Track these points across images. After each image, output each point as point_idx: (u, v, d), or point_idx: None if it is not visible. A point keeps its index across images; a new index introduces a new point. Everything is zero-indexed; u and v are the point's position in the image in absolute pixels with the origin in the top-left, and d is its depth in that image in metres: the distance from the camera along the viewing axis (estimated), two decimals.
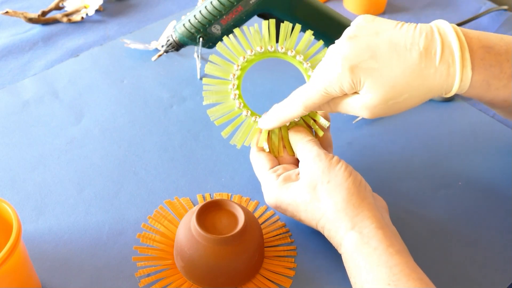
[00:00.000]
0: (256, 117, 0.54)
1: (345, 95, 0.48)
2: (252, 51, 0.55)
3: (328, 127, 0.55)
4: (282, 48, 0.55)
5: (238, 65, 0.55)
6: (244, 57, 0.55)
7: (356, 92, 0.47)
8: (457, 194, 0.58)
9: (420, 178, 0.60)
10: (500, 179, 0.60)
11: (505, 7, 0.86)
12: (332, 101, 0.49)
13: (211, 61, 0.55)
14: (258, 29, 0.55)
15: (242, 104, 0.54)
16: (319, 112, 0.54)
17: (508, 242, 0.54)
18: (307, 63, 0.55)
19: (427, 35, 0.44)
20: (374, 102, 0.45)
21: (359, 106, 0.47)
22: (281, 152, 0.54)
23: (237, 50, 0.55)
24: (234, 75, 0.54)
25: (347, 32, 0.46)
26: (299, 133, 0.53)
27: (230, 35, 0.55)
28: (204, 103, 0.54)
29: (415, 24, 0.45)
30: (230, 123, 0.55)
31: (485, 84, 0.45)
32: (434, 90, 0.45)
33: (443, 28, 0.45)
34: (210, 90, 0.54)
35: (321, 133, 0.53)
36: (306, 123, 0.55)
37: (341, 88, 0.46)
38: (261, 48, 0.55)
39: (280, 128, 0.54)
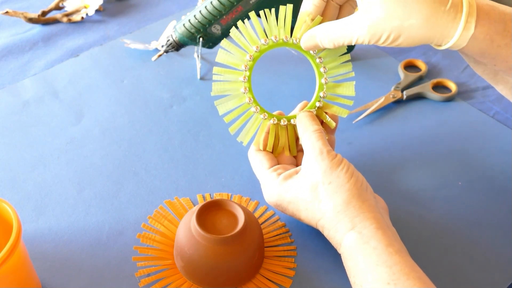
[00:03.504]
0: (265, 115, 0.52)
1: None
2: (266, 40, 0.51)
3: (334, 129, 0.54)
4: (296, 40, 0.52)
5: (251, 55, 0.51)
6: (258, 47, 0.51)
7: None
8: (457, 194, 0.58)
9: (420, 178, 0.60)
10: (500, 179, 0.60)
11: None
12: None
13: (222, 48, 0.51)
14: (275, 16, 0.52)
15: (252, 100, 0.52)
16: (328, 111, 0.54)
17: (508, 242, 0.54)
18: (320, 59, 0.53)
19: None
20: (379, 16, 0.45)
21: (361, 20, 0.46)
22: (286, 151, 0.54)
23: (251, 38, 0.52)
24: (246, 66, 0.52)
25: None
26: (307, 119, 0.52)
27: (245, 20, 0.52)
28: (213, 93, 0.52)
29: None
30: (237, 118, 0.52)
31: (488, 39, 0.45)
32: (439, 28, 0.45)
33: None
34: (220, 81, 0.51)
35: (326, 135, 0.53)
36: None
37: None
38: (276, 38, 0.52)
39: (286, 127, 0.54)
